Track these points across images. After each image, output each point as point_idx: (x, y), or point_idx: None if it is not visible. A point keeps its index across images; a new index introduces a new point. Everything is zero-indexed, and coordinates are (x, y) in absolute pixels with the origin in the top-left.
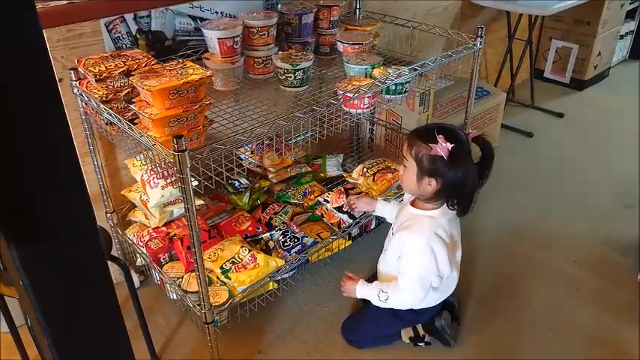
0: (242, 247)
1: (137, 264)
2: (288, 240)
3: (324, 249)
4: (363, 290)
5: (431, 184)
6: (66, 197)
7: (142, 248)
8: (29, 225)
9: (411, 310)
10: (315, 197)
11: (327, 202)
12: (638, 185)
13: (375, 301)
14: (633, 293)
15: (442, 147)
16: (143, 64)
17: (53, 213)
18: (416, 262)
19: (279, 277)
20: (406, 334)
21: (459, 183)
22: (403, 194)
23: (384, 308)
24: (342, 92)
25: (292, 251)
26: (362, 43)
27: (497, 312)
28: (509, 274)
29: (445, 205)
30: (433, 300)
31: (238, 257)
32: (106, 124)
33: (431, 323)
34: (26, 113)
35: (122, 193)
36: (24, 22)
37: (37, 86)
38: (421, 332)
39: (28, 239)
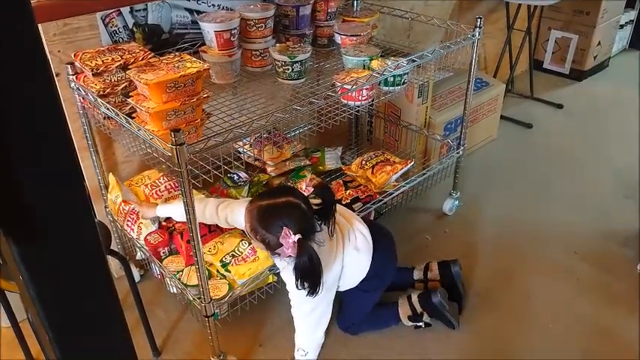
0: (242, 240)
1: (137, 258)
2: None
3: None
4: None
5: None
6: (64, 192)
7: (140, 242)
8: (28, 221)
9: (369, 277)
10: None
11: None
12: (639, 176)
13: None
14: (633, 284)
15: (287, 245)
16: (140, 58)
17: (51, 208)
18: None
19: (279, 270)
20: (404, 313)
21: (308, 265)
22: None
23: (354, 289)
24: (340, 84)
25: None
26: (360, 35)
27: (498, 303)
28: (508, 265)
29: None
30: (365, 261)
31: (238, 250)
32: (104, 118)
33: (427, 300)
34: (22, 109)
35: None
36: (18, 16)
37: (33, 81)
38: (418, 309)
39: (26, 235)
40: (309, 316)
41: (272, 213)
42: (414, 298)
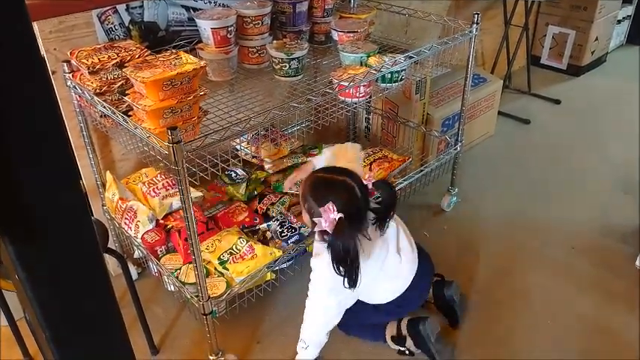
0: (240, 238)
1: (135, 256)
2: (285, 230)
3: None
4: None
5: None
6: (61, 191)
7: (138, 240)
8: (24, 220)
9: (390, 304)
10: None
11: None
12: (638, 172)
13: (300, 353)
14: (632, 280)
15: (327, 218)
16: (136, 56)
17: (48, 207)
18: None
19: (277, 268)
20: (389, 332)
21: (337, 251)
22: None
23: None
24: (337, 81)
25: (290, 241)
26: (357, 31)
27: (496, 299)
28: (507, 261)
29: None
30: (391, 290)
31: (236, 248)
32: (101, 116)
33: (415, 326)
34: (18, 108)
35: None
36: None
37: (30, 81)
38: (404, 331)
39: (22, 234)
40: (321, 313)
41: (325, 186)
42: (404, 320)
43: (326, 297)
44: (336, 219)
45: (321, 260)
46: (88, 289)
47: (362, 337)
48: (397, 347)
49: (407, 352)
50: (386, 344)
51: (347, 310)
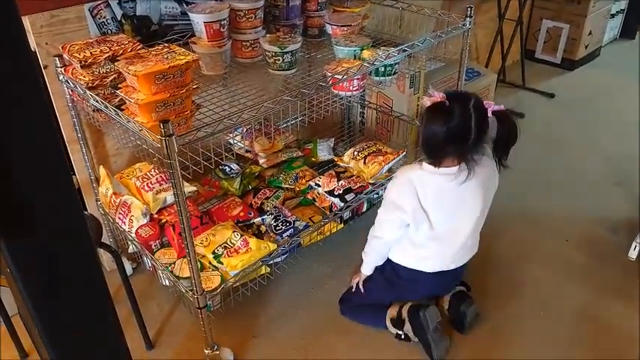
0: (234, 232)
1: (129, 251)
2: (280, 224)
3: (316, 232)
4: (363, 267)
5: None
6: (51, 186)
7: (132, 235)
8: (15, 215)
9: (401, 273)
10: (307, 181)
11: (319, 186)
12: (629, 164)
13: (365, 259)
14: (623, 270)
15: (429, 98)
16: (129, 49)
17: (38, 202)
18: (386, 191)
19: (272, 261)
20: (390, 314)
21: (423, 137)
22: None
23: (382, 272)
24: (330, 74)
25: (284, 235)
26: (351, 25)
27: (488, 290)
28: (499, 253)
29: (458, 169)
30: (412, 257)
31: (230, 242)
32: (93, 110)
33: (415, 312)
34: (8, 104)
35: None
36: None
37: (18, 75)
38: (404, 315)
39: (13, 229)
40: (377, 220)
41: (460, 96)
42: (407, 304)
43: (391, 210)
44: (439, 99)
45: (402, 172)
46: (80, 284)
47: (363, 321)
48: (395, 331)
49: (403, 336)
50: (386, 329)
51: (361, 290)
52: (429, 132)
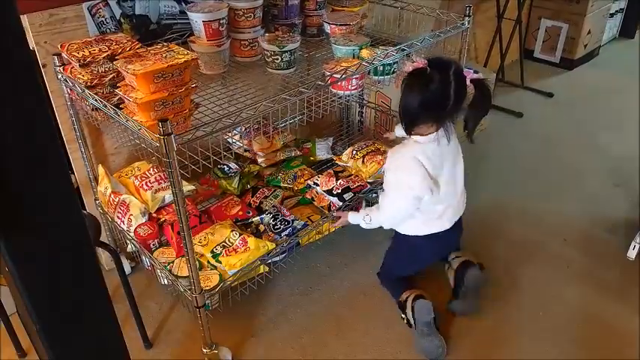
0: (232, 231)
1: (128, 250)
2: (278, 223)
3: (314, 232)
4: (353, 217)
5: None
6: (49, 184)
7: (131, 234)
8: (13, 214)
9: (417, 242)
10: (305, 180)
11: (317, 185)
12: (629, 164)
13: (363, 224)
14: (621, 271)
15: (410, 64)
16: (127, 49)
17: (36, 200)
18: (391, 174)
19: (270, 261)
20: (402, 298)
21: (402, 105)
22: None
23: (401, 241)
24: (329, 74)
25: (283, 234)
26: (349, 24)
27: (486, 290)
28: (498, 252)
29: (436, 134)
30: (423, 224)
31: (229, 241)
32: (92, 109)
33: (422, 302)
34: (7, 102)
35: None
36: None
37: (16, 74)
38: (405, 295)
39: (12, 228)
40: (388, 204)
41: (441, 63)
42: (413, 294)
43: (404, 190)
44: (421, 65)
45: (395, 155)
46: (78, 282)
47: (392, 294)
48: (401, 314)
49: (406, 321)
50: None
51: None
52: (409, 98)
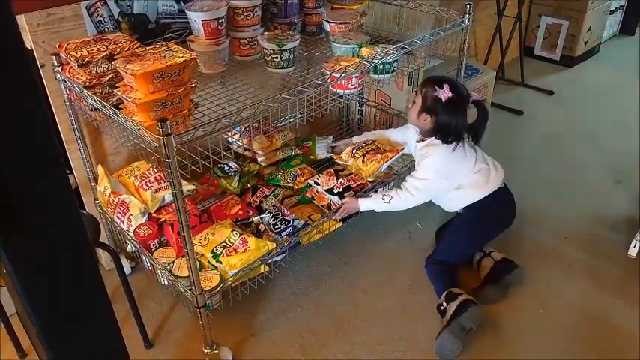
0: (233, 230)
1: (128, 250)
2: (278, 223)
3: (314, 231)
4: (365, 203)
5: (426, 120)
6: (48, 184)
7: (130, 234)
8: (12, 214)
9: (485, 204)
10: (305, 180)
11: (318, 184)
12: (629, 161)
13: (380, 206)
14: (623, 268)
15: (444, 93)
16: (126, 48)
17: (35, 200)
18: (429, 168)
19: (271, 260)
20: (451, 290)
21: (448, 124)
22: (394, 175)
23: (469, 213)
24: (329, 72)
25: (283, 234)
26: (349, 22)
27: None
28: (499, 249)
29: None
30: (477, 189)
31: (229, 241)
32: (91, 109)
33: (469, 303)
34: (5, 103)
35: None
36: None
37: (14, 74)
38: (458, 291)
39: (11, 228)
40: (420, 194)
41: (445, 77)
42: (465, 295)
43: (435, 180)
44: (449, 95)
45: (434, 149)
46: (77, 282)
47: (434, 282)
48: (443, 301)
49: (443, 308)
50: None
51: (460, 238)
52: (457, 121)
